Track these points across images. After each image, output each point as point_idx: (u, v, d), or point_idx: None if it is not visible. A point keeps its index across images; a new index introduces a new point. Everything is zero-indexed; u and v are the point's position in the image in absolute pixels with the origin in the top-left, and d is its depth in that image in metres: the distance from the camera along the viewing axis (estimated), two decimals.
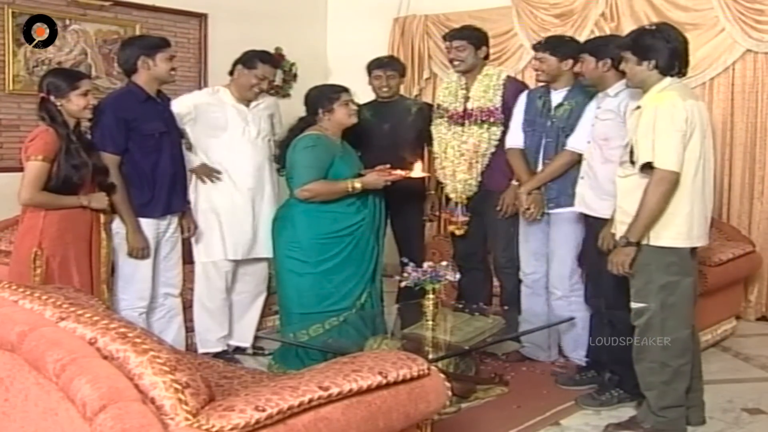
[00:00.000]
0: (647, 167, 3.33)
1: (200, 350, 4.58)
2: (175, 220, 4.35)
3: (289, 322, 4.39)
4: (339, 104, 4.34)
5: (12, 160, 5.28)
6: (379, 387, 2.33)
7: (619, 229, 3.52)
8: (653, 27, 3.59)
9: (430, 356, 3.48)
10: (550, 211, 4.43)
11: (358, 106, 4.54)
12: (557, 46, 4.36)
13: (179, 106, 4.45)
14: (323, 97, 4.38)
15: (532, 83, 5.32)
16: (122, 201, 4.02)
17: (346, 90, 4.41)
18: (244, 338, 4.86)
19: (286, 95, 7.18)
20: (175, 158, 4.27)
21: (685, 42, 3.49)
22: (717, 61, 5.79)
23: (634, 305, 3.52)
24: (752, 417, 3.90)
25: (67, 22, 5.81)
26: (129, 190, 4.06)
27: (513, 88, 4.70)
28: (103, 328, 2.04)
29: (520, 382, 4.32)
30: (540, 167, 4.43)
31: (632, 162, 3.42)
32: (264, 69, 4.56)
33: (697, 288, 3.79)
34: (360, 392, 2.26)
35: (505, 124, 4.61)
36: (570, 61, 4.28)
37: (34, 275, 3.63)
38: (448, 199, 4.82)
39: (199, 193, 4.56)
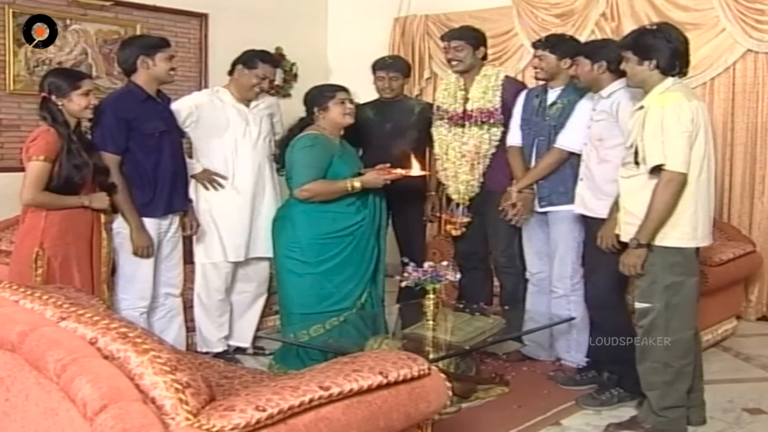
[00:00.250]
0: (657, 169, 3.33)
1: (201, 350, 4.59)
2: (176, 219, 4.36)
3: (289, 322, 4.38)
4: (334, 103, 4.33)
5: (13, 160, 5.28)
6: (380, 387, 2.33)
7: (624, 230, 3.52)
8: (654, 27, 3.59)
9: (431, 356, 3.48)
10: (543, 210, 4.44)
11: (358, 105, 4.54)
12: (557, 44, 4.37)
13: (180, 108, 4.45)
14: (319, 95, 4.39)
15: (532, 83, 5.33)
16: (125, 200, 4.03)
17: (343, 89, 4.41)
18: (244, 338, 4.86)
19: (287, 95, 7.18)
20: (176, 157, 4.27)
21: (686, 42, 3.49)
22: (717, 61, 5.79)
23: (638, 305, 3.52)
24: (753, 417, 3.90)
25: (68, 22, 5.81)
26: (131, 190, 4.06)
27: (512, 88, 4.71)
28: (104, 328, 2.04)
29: (521, 382, 4.32)
30: (533, 166, 4.45)
31: (636, 163, 3.42)
32: (264, 68, 4.56)
33: (699, 288, 3.80)
34: (361, 392, 2.26)
35: (505, 125, 4.61)
36: (569, 60, 4.28)
37: (35, 275, 3.64)
38: (449, 200, 4.82)
39: (199, 195, 4.56)
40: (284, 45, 7.14)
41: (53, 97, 3.72)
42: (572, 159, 4.28)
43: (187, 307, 4.63)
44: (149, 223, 4.15)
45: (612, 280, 3.87)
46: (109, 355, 1.97)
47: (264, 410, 2.00)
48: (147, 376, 1.92)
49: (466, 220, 4.71)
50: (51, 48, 5.70)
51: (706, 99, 5.79)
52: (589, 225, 4.03)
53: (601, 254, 3.86)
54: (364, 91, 4.88)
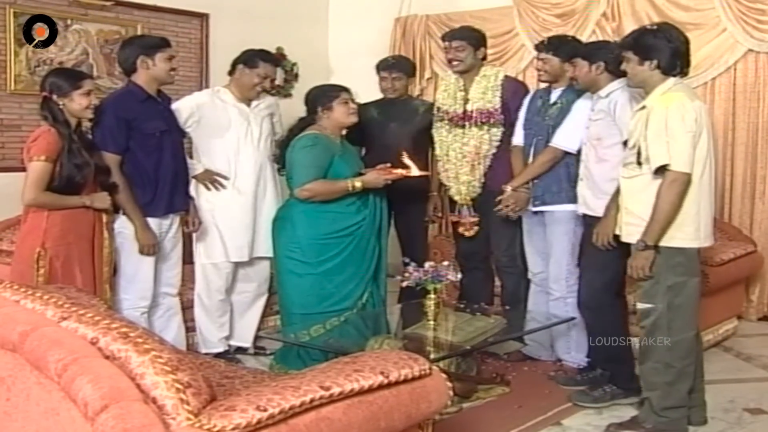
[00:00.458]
0: (661, 169, 3.33)
1: (202, 350, 4.59)
2: (176, 219, 4.36)
3: (289, 322, 4.38)
4: (338, 102, 4.34)
5: (14, 160, 5.28)
6: (381, 387, 2.33)
7: (625, 231, 3.52)
8: (655, 27, 3.59)
9: (432, 356, 3.48)
10: (536, 209, 4.44)
11: (362, 104, 4.54)
12: (560, 46, 4.37)
13: (182, 107, 4.45)
14: (323, 95, 4.39)
15: (533, 83, 5.34)
16: (127, 200, 4.03)
17: (346, 89, 4.42)
18: (245, 338, 4.86)
19: (288, 95, 7.18)
20: (177, 157, 4.27)
21: (687, 42, 3.49)
22: (718, 61, 5.78)
23: (641, 306, 3.52)
24: (754, 417, 3.90)
25: (69, 22, 5.81)
26: (132, 189, 4.06)
27: (512, 87, 4.71)
28: (105, 328, 2.04)
29: (522, 381, 4.32)
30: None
31: (638, 163, 3.41)
32: (266, 67, 4.56)
33: (701, 288, 3.80)
34: (361, 392, 2.26)
35: (505, 125, 4.61)
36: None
37: (37, 275, 3.64)
38: (452, 201, 4.82)
39: (200, 195, 4.56)
40: (285, 45, 7.13)
41: (54, 97, 3.72)
42: (567, 159, 4.29)
43: (188, 307, 4.63)
44: (150, 222, 4.15)
45: (606, 279, 3.88)
46: (110, 355, 1.97)
47: (265, 410, 2.00)
48: (148, 376, 1.92)
49: (474, 219, 4.71)
50: (52, 48, 5.70)
51: (707, 99, 5.79)
52: (589, 224, 4.03)
53: (597, 253, 3.86)
54: (366, 90, 4.88)
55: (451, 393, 2.63)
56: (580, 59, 4.08)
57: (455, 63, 4.70)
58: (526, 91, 4.78)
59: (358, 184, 4.27)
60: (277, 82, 6.80)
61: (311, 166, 4.25)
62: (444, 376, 2.63)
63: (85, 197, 3.78)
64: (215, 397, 2.05)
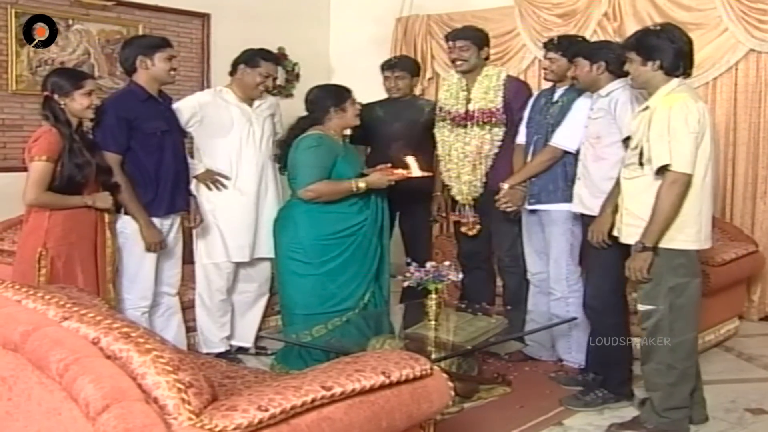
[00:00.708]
0: (663, 169, 3.33)
1: (203, 350, 4.60)
2: (178, 219, 4.36)
3: (291, 322, 4.38)
4: (350, 103, 4.37)
5: (15, 159, 5.28)
6: (382, 387, 2.33)
7: (625, 232, 3.51)
8: (658, 27, 3.58)
9: (433, 356, 3.48)
10: (531, 207, 4.44)
11: (365, 105, 4.55)
12: (569, 47, 4.35)
13: (184, 107, 4.45)
14: (337, 95, 4.39)
15: (534, 83, 5.34)
16: (130, 199, 4.03)
17: (350, 90, 4.44)
18: (246, 338, 4.86)
19: (289, 95, 7.18)
20: (178, 157, 4.28)
21: (690, 42, 3.48)
22: (720, 60, 5.78)
23: (642, 307, 3.51)
24: (755, 417, 3.90)
25: (70, 22, 5.81)
26: (134, 189, 4.06)
27: (514, 87, 4.71)
28: (106, 327, 2.05)
29: (523, 381, 4.32)
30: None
31: (641, 164, 3.41)
32: (267, 66, 4.56)
33: (701, 290, 3.80)
34: (363, 392, 2.26)
35: (507, 124, 4.61)
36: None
37: (38, 275, 3.64)
38: (454, 201, 4.82)
39: (201, 195, 4.56)
40: (286, 45, 7.13)
41: (56, 97, 3.73)
42: (566, 158, 4.29)
43: (188, 307, 4.64)
44: None
45: (612, 281, 3.87)
46: (112, 354, 1.97)
47: (266, 410, 2.00)
48: (149, 376, 1.92)
49: (476, 218, 4.71)
50: (53, 48, 5.70)
51: (709, 99, 5.79)
52: (587, 223, 4.03)
53: (600, 254, 3.86)
54: (367, 90, 4.89)
55: (453, 393, 2.63)
56: (581, 58, 4.08)
57: (459, 63, 4.70)
58: (529, 91, 4.78)
59: (362, 184, 4.27)
60: (278, 82, 6.81)
61: (316, 167, 4.25)
62: (445, 376, 2.62)
63: (87, 197, 3.78)
64: (217, 397, 2.05)
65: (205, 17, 6.60)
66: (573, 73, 4.17)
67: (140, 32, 6.04)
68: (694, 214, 3.38)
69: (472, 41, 4.68)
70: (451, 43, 4.74)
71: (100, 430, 1.79)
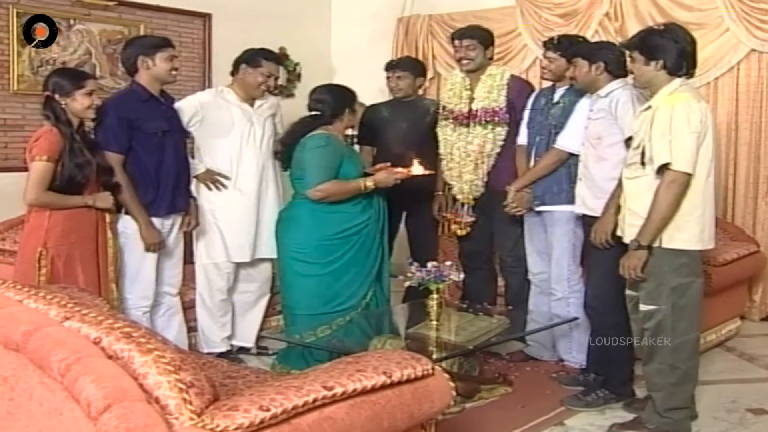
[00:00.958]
0: (663, 168, 3.32)
1: (204, 350, 4.60)
2: (178, 219, 4.36)
3: (293, 322, 4.38)
4: (357, 105, 4.43)
5: (17, 159, 5.28)
6: (384, 387, 2.33)
7: (627, 232, 3.51)
8: (662, 27, 3.57)
9: (435, 356, 3.48)
10: (536, 209, 4.44)
11: (371, 106, 4.56)
12: (569, 47, 4.35)
13: (186, 106, 4.45)
14: (350, 98, 4.42)
15: (535, 83, 5.34)
16: (131, 199, 4.04)
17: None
18: (247, 338, 4.86)
19: (290, 95, 7.19)
20: (179, 157, 4.28)
21: (693, 42, 3.47)
22: (721, 60, 5.78)
23: (644, 307, 3.51)
24: (757, 417, 3.89)
25: (72, 22, 5.82)
26: (135, 189, 4.07)
27: (517, 86, 4.72)
28: (108, 327, 2.05)
29: (524, 382, 4.32)
30: (532, 165, 4.46)
31: (642, 163, 3.41)
32: (269, 66, 4.56)
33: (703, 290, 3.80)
34: (364, 392, 2.26)
35: (510, 124, 4.61)
36: None
37: (38, 275, 3.64)
38: (455, 200, 4.82)
39: (202, 195, 4.56)
40: (287, 45, 7.14)
41: (57, 97, 3.73)
42: (569, 160, 4.29)
43: (189, 307, 4.64)
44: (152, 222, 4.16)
45: (613, 281, 3.87)
46: (113, 354, 1.98)
47: (268, 410, 2.00)
48: (151, 376, 1.92)
49: (470, 219, 4.71)
50: (55, 48, 5.71)
51: (710, 99, 5.79)
52: (590, 225, 4.03)
53: (602, 254, 3.86)
54: (368, 91, 4.90)
55: (454, 393, 2.64)
56: (580, 59, 4.08)
57: (465, 62, 4.69)
58: (532, 91, 4.77)
59: (370, 183, 4.28)
60: (279, 82, 6.81)
61: (324, 167, 4.24)
62: (447, 376, 2.62)
63: (88, 197, 3.78)
64: (218, 397, 2.05)
65: (206, 17, 6.61)
66: (572, 74, 4.17)
67: (141, 32, 6.05)
68: (697, 215, 3.38)
69: (478, 40, 4.69)
70: (457, 42, 4.73)
71: (101, 430, 1.79)
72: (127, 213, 4.07)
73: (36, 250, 3.66)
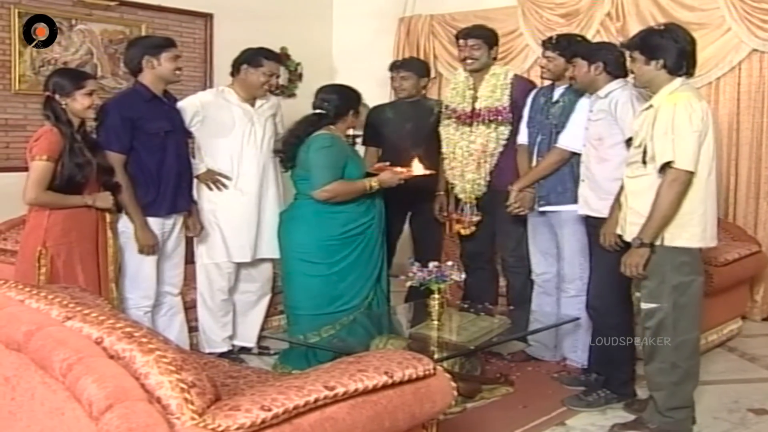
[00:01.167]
0: (665, 166, 3.33)
1: (205, 350, 4.60)
2: (180, 219, 4.36)
3: (297, 323, 4.38)
4: (361, 107, 4.45)
5: (18, 159, 5.28)
6: (385, 387, 2.33)
7: (629, 230, 3.51)
8: (662, 27, 3.59)
9: (436, 356, 3.48)
10: (541, 209, 4.44)
11: (375, 107, 4.56)
12: (567, 47, 4.35)
13: (187, 106, 4.45)
14: (357, 99, 4.43)
15: (537, 83, 5.33)
16: (129, 199, 4.04)
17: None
18: (248, 338, 4.86)
19: (292, 95, 7.19)
20: (181, 158, 4.28)
21: (693, 42, 3.49)
22: (723, 60, 5.78)
23: (645, 306, 3.51)
24: (758, 417, 3.89)
25: (73, 22, 5.82)
26: (135, 189, 4.07)
27: (521, 86, 4.71)
28: (110, 327, 2.05)
29: (526, 382, 4.32)
30: (534, 164, 4.46)
31: (644, 162, 3.41)
32: (270, 65, 4.56)
33: (703, 288, 3.80)
34: (366, 392, 2.26)
35: (514, 123, 4.61)
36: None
37: (38, 274, 3.65)
38: (457, 200, 4.82)
39: (202, 195, 4.56)
40: (289, 45, 7.14)
41: (57, 97, 3.73)
42: (572, 159, 4.28)
43: (191, 307, 4.64)
44: (153, 222, 4.17)
45: (615, 281, 3.87)
46: (115, 354, 1.97)
47: (269, 410, 2.00)
48: (152, 376, 1.92)
49: (475, 219, 4.71)
50: (56, 48, 5.72)
51: (712, 99, 5.79)
52: (594, 225, 4.03)
53: (605, 254, 3.86)
54: (369, 91, 4.89)
55: (455, 393, 2.64)
56: (579, 59, 4.08)
57: (470, 61, 4.69)
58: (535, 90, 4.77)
59: (375, 184, 4.29)
60: (281, 82, 6.82)
61: (330, 167, 4.25)
62: (448, 376, 2.62)
63: (87, 197, 3.79)
64: (219, 397, 2.05)
65: (208, 17, 6.61)
66: (571, 74, 4.17)
67: (143, 32, 6.06)
68: (699, 213, 3.39)
69: (483, 40, 4.69)
70: (462, 41, 4.73)
71: (103, 429, 1.79)
72: (126, 213, 4.08)
73: (36, 250, 3.67)
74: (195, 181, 4.51)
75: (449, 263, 4.01)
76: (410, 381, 2.42)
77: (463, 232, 4.76)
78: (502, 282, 4.96)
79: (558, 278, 4.55)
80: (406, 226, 5.18)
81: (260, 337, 4.88)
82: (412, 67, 5.13)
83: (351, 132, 4.72)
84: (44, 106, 3.78)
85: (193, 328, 4.66)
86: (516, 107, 4.61)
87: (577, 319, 4.32)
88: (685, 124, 3.29)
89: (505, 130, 4.61)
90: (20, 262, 3.79)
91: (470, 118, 4.66)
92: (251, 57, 4.54)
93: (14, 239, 4.49)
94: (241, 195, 4.55)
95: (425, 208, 5.01)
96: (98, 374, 1.86)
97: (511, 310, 4.60)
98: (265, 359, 4.76)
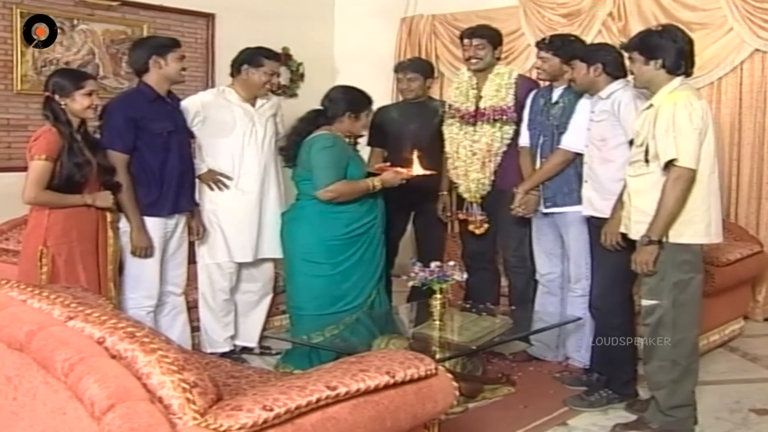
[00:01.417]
0: (669, 164, 3.34)
1: (207, 350, 4.60)
2: (183, 219, 4.37)
3: (299, 323, 4.38)
4: (365, 114, 4.41)
5: (20, 160, 5.26)
6: (387, 387, 2.33)
7: (634, 229, 3.51)
8: (660, 27, 3.62)
9: (438, 356, 3.47)
10: (547, 210, 4.43)
11: (380, 108, 4.59)
12: (561, 47, 4.36)
13: (188, 106, 4.46)
14: (355, 102, 4.40)
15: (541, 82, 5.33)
16: (128, 199, 4.04)
17: (372, 101, 4.49)
18: (250, 338, 4.86)
19: (293, 95, 7.19)
20: (184, 158, 4.29)
21: (691, 42, 3.52)
22: (725, 60, 5.77)
23: (645, 302, 3.52)
24: (760, 417, 3.89)
25: (75, 22, 5.83)
26: (137, 189, 4.08)
27: (525, 86, 4.70)
28: (111, 327, 2.05)
29: (527, 382, 4.32)
30: (538, 166, 4.45)
31: (646, 161, 3.42)
32: (271, 65, 4.56)
33: (703, 286, 3.79)
34: (368, 392, 2.26)
35: (518, 123, 4.61)
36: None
37: (40, 273, 3.66)
38: (461, 200, 4.82)
39: (204, 195, 4.56)
40: (291, 45, 7.14)
41: (56, 97, 3.74)
42: (576, 159, 4.28)
43: (192, 306, 4.64)
44: (155, 222, 4.17)
45: (617, 281, 3.87)
46: (117, 354, 1.97)
47: (271, 410, 2.00)
48: (154, 376, 1.92)
49: (484, 217, 4.71)
50: (58, 48, 5.72)
51: (714, 99, 5.79)
52: (597, 226, 4.02)
53: (607, 254, 3.86)
54: (371, 91, 4.87)
55: (457, 393, 2.63)
56: (578, 61, 4.08)
57: (474, 61, 4.69)
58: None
59: (377, 183, 4.30)
60: (282, 82, 6.82)
61: (332, 167, 4.25)
62: (450, 376, 2.62)
63: (87, 196, 3.79)
64: (221, 397, 2.05)
65: (209, 17, 6.62)
66: (570, 76, 4.18)
67: (145, 32, 6.07)
68: (703, 210, 3.40)
69: (488, 40, 4.69)
70: (467, 41, 4.72)
71: (105, 429, 1.79)
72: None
73: (37, 249, 3.68)
74: (196, 181, 4.50)
75: (451, 263, 4.00)
76: (412, 381, 2.42)
77: (477, 231, 4.75)
78: (504, 282, 4.96)
79: (563, 278, 4.55)
80: (410, 226, 5.17)
81: (262, 337, 4.88)
82: (419, 68, 5.11)
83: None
84: (44, 106, 3.79)
85: (194, 328, 4.66)
86: (520, 107, 4.60)
87: (579, 319, 4.31)
88: (686, 122, 3.31)
89: (509, 130, 4.61)
90: (22, 261, 3.81)
91: (474, 118, 4.66)
92: (252, 57, 4.54)
93: (16, 239, 4.50)
94: (242, 195, 4.55)
95: (428, 207, 5.00)
96: (100, 374, 1.86)
97: (513, 310, 4.60)
98: (267, 359, 4.76)
